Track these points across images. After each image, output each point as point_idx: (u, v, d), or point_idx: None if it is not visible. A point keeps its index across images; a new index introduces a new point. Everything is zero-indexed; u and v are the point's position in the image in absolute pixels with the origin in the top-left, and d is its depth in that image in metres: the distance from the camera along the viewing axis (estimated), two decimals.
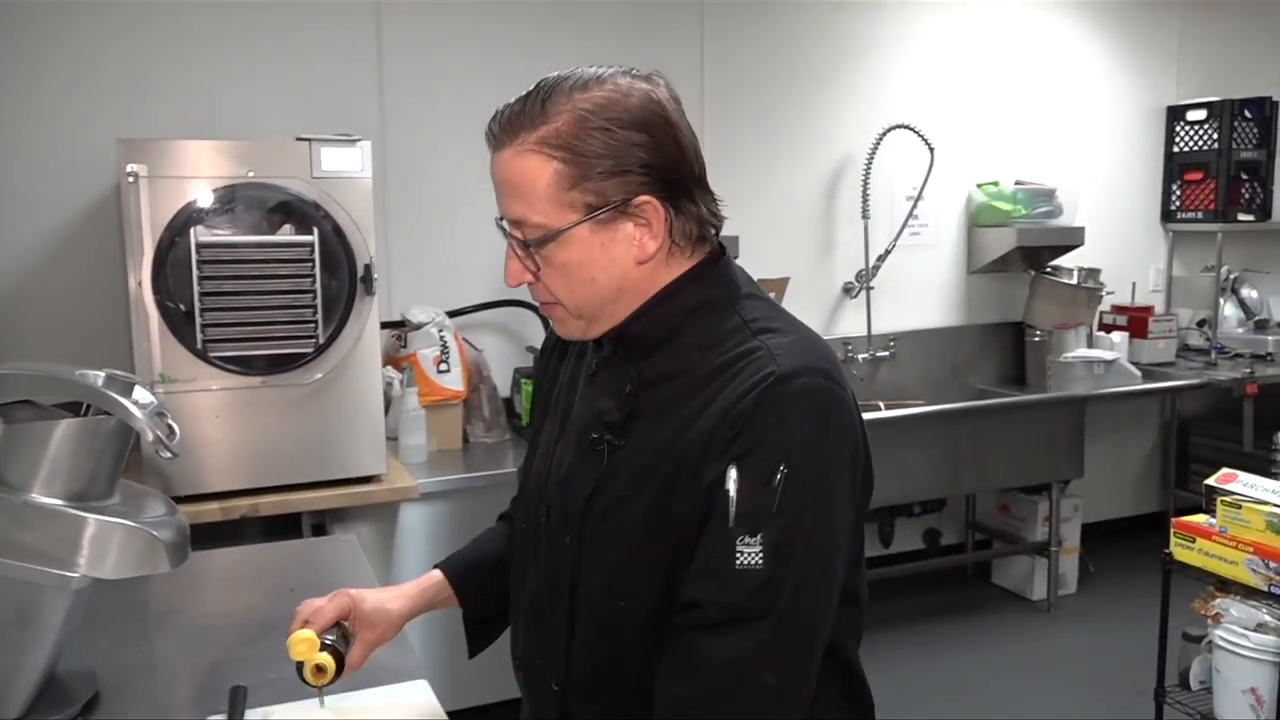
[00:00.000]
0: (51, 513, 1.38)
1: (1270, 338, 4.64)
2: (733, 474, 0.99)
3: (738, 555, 0.98)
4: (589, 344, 1.20)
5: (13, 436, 1.39)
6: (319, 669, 1.26)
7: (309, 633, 1.27)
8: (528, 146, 1.04)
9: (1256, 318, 4.85)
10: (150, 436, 1.43)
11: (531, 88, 1.07)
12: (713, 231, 1.14)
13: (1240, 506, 2.29)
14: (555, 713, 1.18)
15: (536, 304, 1.19)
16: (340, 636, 1.30)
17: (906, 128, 4.12)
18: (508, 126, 1.06)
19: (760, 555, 0.98)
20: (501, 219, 1.11)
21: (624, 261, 1.08)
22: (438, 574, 1.40)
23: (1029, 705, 3.41)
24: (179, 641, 1.80)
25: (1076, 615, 4.15)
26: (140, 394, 1.47)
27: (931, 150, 4.15)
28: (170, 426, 1.49)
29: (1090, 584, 4.36)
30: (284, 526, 2.81)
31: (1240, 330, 4.81)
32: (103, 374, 1.46)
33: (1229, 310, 4.85)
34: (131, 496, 1.53)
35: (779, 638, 0.99)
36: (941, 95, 4.36)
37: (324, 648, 1.27)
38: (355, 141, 2.68)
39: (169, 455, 1.47)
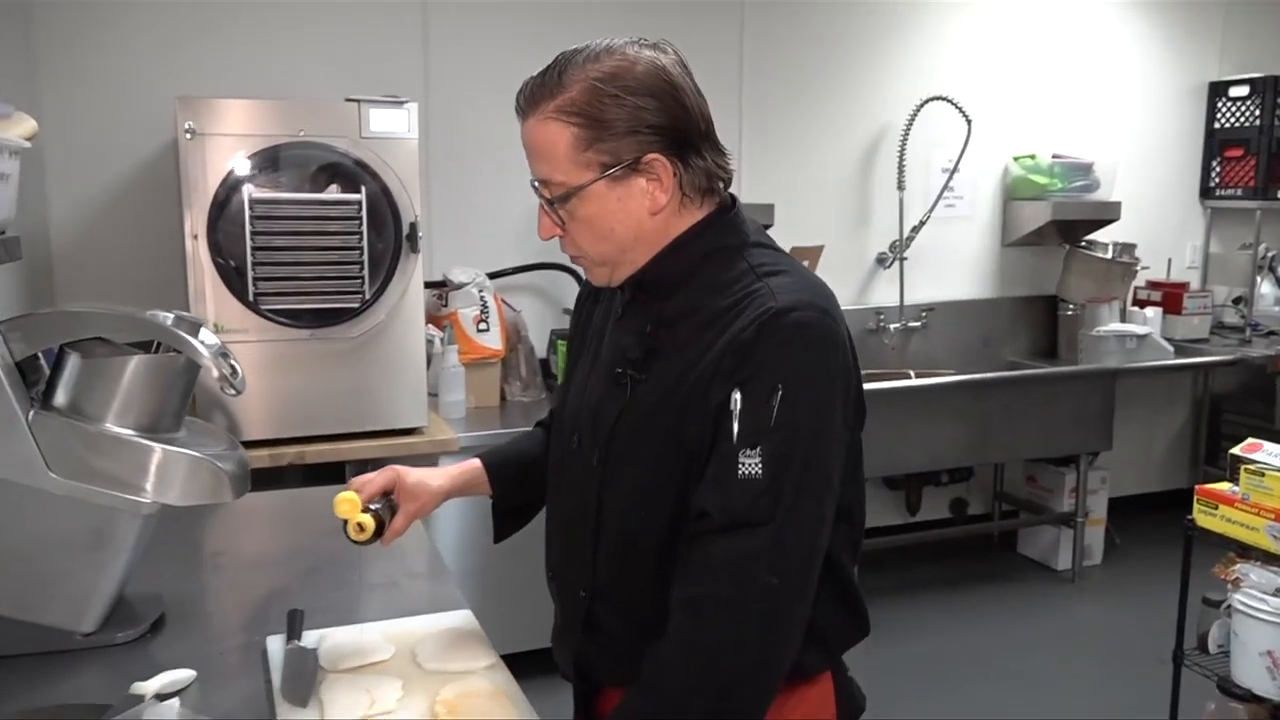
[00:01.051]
0: (125, 442, 1.48)
1: None
2: (737, 396, 1.11)
3: (740, 466, 1.09)
4: (617, 290, 1.30)
5: (89, 370, 1.49)
6: (360, 527, 1.41)
7: (353, 494, 1.42)
8: (548, 115, 1.16)
9: None
10: (216, 373, 1.53)
11: (551, 62, 1.19)
12: (721, 184, 1.25)
13: (1264, 474, 2.33)
14: (583, 616, 1.31)
15: (569, 259, 1.30)
16: (385, 506, 1.45)
17: (944, 99, 4.13)
18: (531, 98, 1.18)
19: (760, 466, 1.09)
20: (534, 180, 1.23)
21: (638, 213, 1.19)
22: (477, 463, 1.54)
23: (1052, 672, 3.47)
24: (235, 574, 1.90)
25: (1101, 586, 4.19)
26: (206, 335, 1.56)
27: (969, 122, 4.16)
28: (233, 366, 1.58)
29: (1115, 556, 4.40)
30: (326, 476, 2.91)
31: (1276, 308, 4.79)
32: (172, 315, 1.55)
33: (1265, 288, 4.82)
34: (196, 431, 1.62)
35: (780, 542, 1.09)
36: (980, 68, 4.36)
37: (367, 512, 1.41)
38: (403, 103, 2.75)
39: (233, 392, 1.57)
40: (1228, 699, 2.47)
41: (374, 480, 1.45)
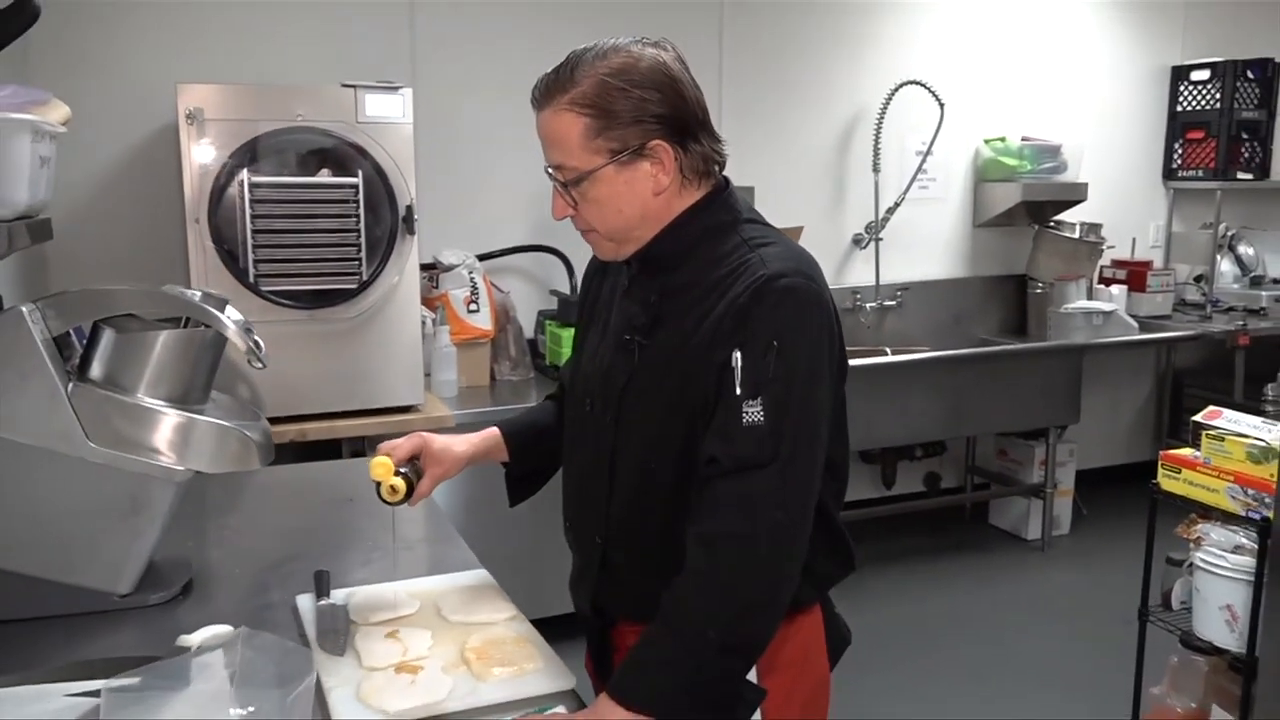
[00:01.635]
0: (158, 412, 1.56)
1: (1264, 293, 4.79)
2: (737, 355, 1.24)
3: (744, 415, 1.23)
4: (623, 265, 1.43)
5: (123, 344, 1.56)
6: (392, 489, 1.50)
7: (386, 459, 1.52)
8: (561, 107, 1.28)
9: (1252, 274, 5.00)
10: (243, 347, 1.61)
11: (563, 59, 1.30)
12: (717, 167, 1.38)
13: (1223, 439, 2.46)
14: (598, 560, 1.44)
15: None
16: (412, 469, 1.54)
17: (918, 84, 4.24)
18: (545, 91, 1.31)
19: (761, 413, 1.22)
20: (548, 166, 1.35)
21: (644, 193, 1.32)
22: (496, 431, 1.66)
23: (1024, 635, 3.62)
24: (252, 542, 1.97)
25: (1068, 554, 4.35)
26: (231, 311, 1.64)
27: (942, 106, 4.28)
28: (257, 341, 1.66)
29: (1082, 526, 4.56)
30: (323, 453, 2.99)
31: (1236, 286, 4.96)
32: (199, 292, 1.63)
33: (1225, 266, 4.99)
34: (220, 403, 1.70)
35: (784, 480, 1.22)
36: (952, 52, 4.48)
37: (398, 474, 1.51)
38: (397, 89, 2.82)
39: (259, 365, 1.65)
40: (1190, 652, 2.62)
41: (402, 445, 1.56)
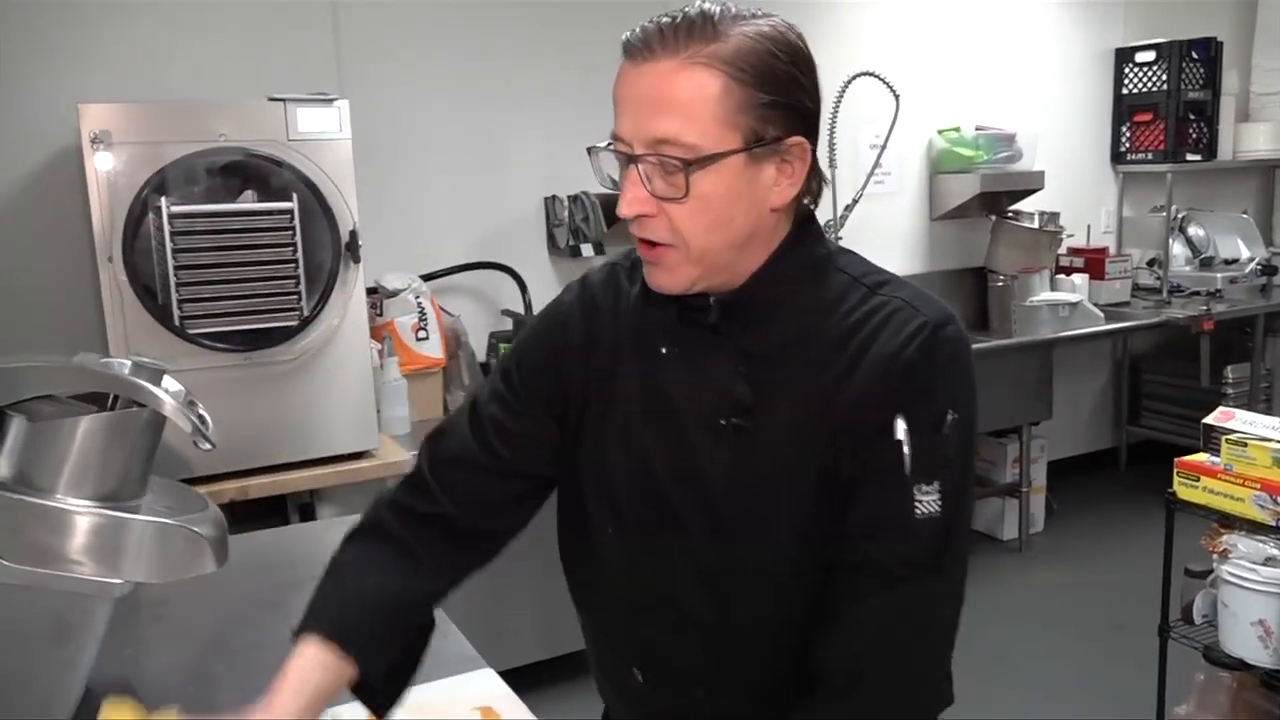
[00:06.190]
0: (86, 516, 1.27)
1: (1219, 275, 4.76)
2: (901, 424, 0.97)
3: (917, 505, 0.97)
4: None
5: (38, 434, 1.28)
6: None
7: None
8: (699, 60, 0.94)
9: (1203, 255, 4.96)
10: (188, 427, 1.33)
11: (687, 8, 0.98)
12: (813, 191, 1.07)
13: (1245, 444, 2.33)
14: (702, 714, 1.12)
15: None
16: None
17: (872, 75, 4.07)
18: (673, 37, 0.95)
19: (938, 502, 0.97)
20: (611, 143, 1.00)
21: (761, 204, 1.00)
22: (312, 650, 1.08)
23: (1011, 642, 3.47)
24: (207, 642, 1.70)
25: (1046, 553, 4.24)
26: (169, 382, 1.36)
27: (897, 97, 4.11)
28: (203, 415, 1.39)
29: (1055, 522, 4.46)
30: (269, 508, 2.69)
31: (1188, 268, 4.92)
32: (129, 362, 1.35)
33: (1177, 249, 4.95)
34: (163, 492, 1.43)
35: (954, 575, 1.02)
36: (903, 42, 4.33)
37: None
38: (332, 101, 2.53)
39: (208, 446, 1.38)
40: (1215, 668, 2.49)
41: None
